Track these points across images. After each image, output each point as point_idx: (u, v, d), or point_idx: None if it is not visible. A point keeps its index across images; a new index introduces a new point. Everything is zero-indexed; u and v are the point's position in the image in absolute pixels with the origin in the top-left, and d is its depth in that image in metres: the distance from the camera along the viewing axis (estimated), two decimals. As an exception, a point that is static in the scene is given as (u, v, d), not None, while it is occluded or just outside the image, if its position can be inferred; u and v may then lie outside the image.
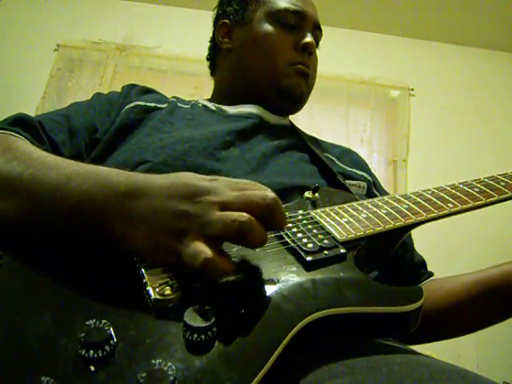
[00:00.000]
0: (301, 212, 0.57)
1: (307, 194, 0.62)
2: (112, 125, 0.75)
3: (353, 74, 2.53)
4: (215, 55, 0.94)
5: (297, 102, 0.86)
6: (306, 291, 0.43)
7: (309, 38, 0.83)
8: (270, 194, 0.43)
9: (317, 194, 0.62)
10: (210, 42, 0.96)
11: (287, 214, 0.56)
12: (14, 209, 0.49)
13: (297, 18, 0.84)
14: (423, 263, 0.81)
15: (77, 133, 0.72)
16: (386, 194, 0.87)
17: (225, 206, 0.42)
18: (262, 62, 0.83)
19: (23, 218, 0.48)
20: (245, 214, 0.40)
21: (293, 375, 0.38)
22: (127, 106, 0.79)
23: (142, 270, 0.43)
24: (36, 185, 0.48)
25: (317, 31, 0.88)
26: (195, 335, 0.36)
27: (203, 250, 0.39)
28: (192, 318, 0.37)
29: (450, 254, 2.04)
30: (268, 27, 0.83)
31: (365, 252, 0.52)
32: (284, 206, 0.59)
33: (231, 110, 0.84)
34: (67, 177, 0.48)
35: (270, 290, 0.43)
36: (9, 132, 0.64)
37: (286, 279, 0.44)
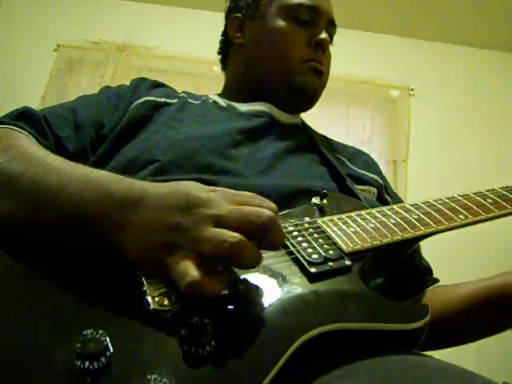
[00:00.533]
0: (307, 219, 0.56)
1: (315, 200, 0.60)
2: (120, 120, 0.74)
3: (353, 74, 2.53)
4: (227, 50, 0.92)
5: (309, 99, 0.84)
6: (309, 304, 0.42)
7: (323, 35, 0.81)
8: (267, 212, 0.41)
9: (325, 201, 0.60)
10: (222, 35, 0.94)
11: (293, 220, 0.55)
12: (13, 211, 0.48)
13: (311, 14, 0.81)
14: (429, 269, 0.80)
15: (83, 128, 0.70)
16: (398, 198, 0.85)
17: (219, 221, 0.40)
18: (275, 59, 0.81)
19: (22, 220, 0.48)
20: (236, 234, 0.39)
21: (293, 380, 0.38)
22: (136, 102, 0.77)
23: (142, 277, 0.42)
24: (36, 188, 0.47)
25: (331, 27, 0.86)
26: (192, 349, 0.35)
27: (189, 271, 0.38)
28: (190, 332, 0.36)
29: (450, 255, 2.04)
30: (281, 22, 0.81)
31: (371, 264, 0.50)
32: (290, 211, 0.58)
33: (242, 107, 0.82)
34: (66, 182, 0.47)
35: (270, 302, 0.41)
36: (12, 127, 0.63)
37: (288, 291, 0.43)
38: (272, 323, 0.39)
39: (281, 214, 0.57)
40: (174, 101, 0.80)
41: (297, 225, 0.54)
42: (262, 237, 0.41)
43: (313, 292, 0.43)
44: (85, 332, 0.35)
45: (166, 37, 2.57)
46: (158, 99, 0.78)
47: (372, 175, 0.84)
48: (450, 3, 2.45)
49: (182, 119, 0.75)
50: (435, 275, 0.79)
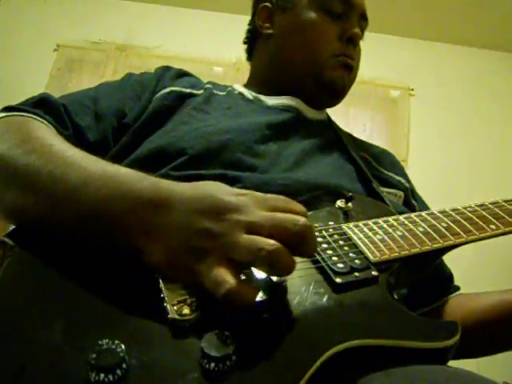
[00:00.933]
0: (332, 224, 0.54)
1: (340, 203, 0.58)
2: (144, 110, 0.71)
3: (353, 74, 2.53)
4: (254, 39, 0.89)
5: (338, 95, 0.82)
6: (334, 317, 0.40)
7: (356, 29, 0.78)
8: (303, 219, 0.39)
9: (350, 204, 0.58)
10: (249, 24, 0.91)
11: (317, 224, 0.53)
12: (29, 207, 0.47)
13: (343, 6, 0.79)
14: (451, 277, 0.78)
15: (104, 117, 0.68)
16: (423, 203, 0.83)
17: (252, 228, 0.39)
18: (305, 52, 0.78)
19: (38, 217, 0.47)
20: (273, 241, 0.37)
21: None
22: (162, 92, 0.74)
23: (161, 283, 0.40)
24: (54, 184, 0.46)
25: (363, 21, 0.83)
26: (212, 364, 0.33)
27: (226, 278, 0.36)
28: (210, 345, 0.34)
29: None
30: (313, 15, 0.78)
31: (397, 275, 0.49)
32: (314, 213, 0.56)
33: (269, 100, 0.80)
34: (85, 179, 0.45)
35: (294, 313, 0.40)
36: (30, 115, 0.61)
37: (313, 302, 0.41)
38: (296, 337, 0.38)
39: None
40: (199, 92, 0.78)
41: (321, 230, 0.52)
42: (298, 245, 0.39)
43: (339, 304, 0.42)
44: (100, 342, 0.33)
45: (166, 37, 2.57)
46: (183, 90, 0.76)
47: (398, 178, 0.82)
48: (450, 3, 2.45)
49: (209, 111, 0.73)
50: None
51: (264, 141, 0.69)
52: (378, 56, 2.67)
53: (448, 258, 0.65)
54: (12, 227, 0.49)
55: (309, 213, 0.55)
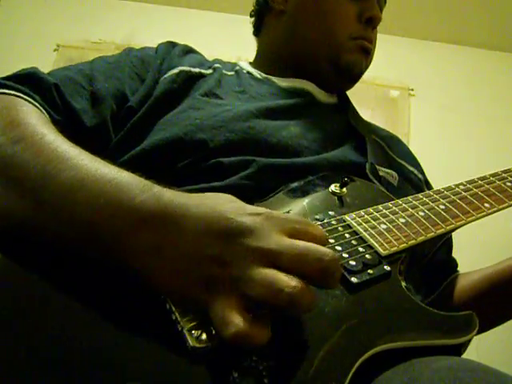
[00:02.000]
0: (332, 214, 0.51)
1: (334, 188, 0.56)
2: (151, 92, 0.65)
3: (353, 73, 2.53)
4: (262, 14, 0.82)
5: (354, 80, 0.78)
6: (357, 323, 0.39)
7: (375, 9, 0.74)
8: (329, 253, 0.34)
9: (344, 189, 0.56)
10: None
11: (318, 217, 0.50)
12: (13, 208, 0.41)
13: None
14: (449, 259, 0.77)
15: (102, 100, 0.61)
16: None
17: (269, 257, 0.34)
18: (321, 33, 0.73)
19: (22, 221, 0.40)
20: (295, 282, 0.32)
21: None
22: (171, 72, 0.68)
23: (170, 304, 0.36)
24: (43, 183, 0.40)
25: (382, 1, 0.79)
26: None
27: (233, 319, 0.32)
28: (242, 374, 0.31)
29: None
30: None
31: (405, 264, 0.48)
32: (310, 201, 0.54)
33: (281, 82, 0.75)
34: (80, 181, 0.39)
35: (319, 323, 0.37)
36: (17, 93, 0.53)
37: (332, 307, 0.39)
38: (324, 350, 0.35)
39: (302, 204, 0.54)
40: (208, 71, 0.73)
41: (324, 224, 0.49)
42: (319, 281, 0.35)
43: (358, 307, 0.40)
44: None
45: (166, 37, 2.54)
46: (192, 69, 0.71)
47: (411, 168, 0.79)
48: (451, 3, 2.45)
49: (221, 96, 0.68)
50: None
51: (284, 126, 0.65)
52: (378, 56, 2.66)
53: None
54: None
55: (304, 200, 0.54)
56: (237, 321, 0.32)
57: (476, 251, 2.11)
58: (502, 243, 2.08)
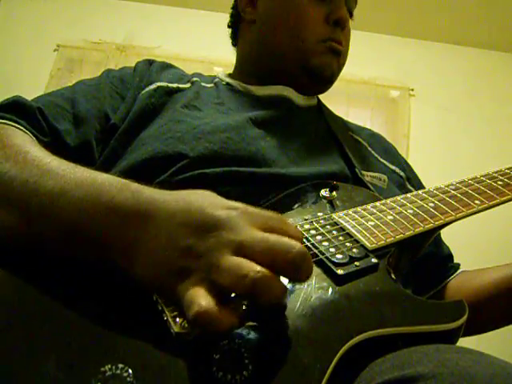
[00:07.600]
0: (321, 215, 0.53)
1: (323, 193, 0.57)
2: (131, 108, 0.67)
3: (353, 74, 2.52)
4: (237, 24, 0.85)
5: (326, 82, 0.78)
6: (343, 311, 0.39)
7: (342, 10, 0.73)
8: (298, 245, 0.35)
9: (334, 193, 0.57)
10: (232, 8, 0.87)
11: (307, 217, 0.52)
12: (4, 219, 0.44)
13: None
14: (450, 256, 0.77)
15: (84, 120, 0.64)
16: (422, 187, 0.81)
17: (240, 249, 0.35)
18: (289, 37, 0.74)
19: (12, 231, 0.43)
20: (259, 268, 0.33)
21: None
22: (148, 88, 0.70)
23: (155, 295, 0.38)
24: (27, 194, 0.43)
25: (351, 1, 0.79)
26: (229, 376, 0.32)
27: (197, 300, 0.33)
28: (223, 356, 0.32)
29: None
30: None
31: (395, 259, 0.49)
32: (300, 205, 0.55)
33: (259, 90, 0.76)
34: (64, 188, 0.42)
35: (302, 312, 0.38)
36: (5, 121, 0.57)
37: (318, 297, 0.40)
38: (309, 336, 0.36)
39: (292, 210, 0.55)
40: (186, 85, 0.74)
41: (312, 222, 0.51)
42: (290, 273, 0.36)
43: (344, 296, 0.41)
44: (103, 369, 0.30)
45: (166, 37, 2.57)
46: (170, 84, 0.72)
47: (393, 167, 0.79)
48: (450, 3, 2.45)
49: (201, 108, 0.70)
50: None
51: (263, 136, 0.67)
52: (378, 56, 2.67)
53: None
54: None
55: (295, 206, 0.55)
56: (200, 301, 0.33)
57: (476, 251, 2.11)
58: (502, 243, 2.08)
